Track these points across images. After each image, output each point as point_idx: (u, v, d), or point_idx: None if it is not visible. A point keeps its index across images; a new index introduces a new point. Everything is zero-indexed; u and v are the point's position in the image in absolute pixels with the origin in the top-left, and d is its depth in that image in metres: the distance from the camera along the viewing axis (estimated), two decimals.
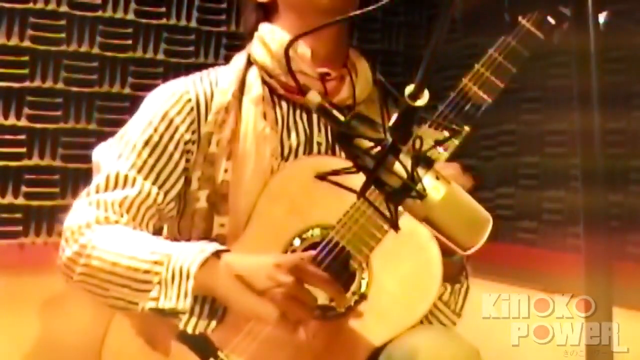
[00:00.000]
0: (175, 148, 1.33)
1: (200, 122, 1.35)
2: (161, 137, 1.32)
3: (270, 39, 1.38)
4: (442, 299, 1.36)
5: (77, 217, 1.28)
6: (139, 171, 1.31)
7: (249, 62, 1.41)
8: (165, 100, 1.35)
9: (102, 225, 1.26)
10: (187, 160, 1.34)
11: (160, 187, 1.31)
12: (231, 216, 1.32)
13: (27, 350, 1.91)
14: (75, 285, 1.27)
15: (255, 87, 1.37)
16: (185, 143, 1.33)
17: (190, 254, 1.19)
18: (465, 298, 1.39)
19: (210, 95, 1.36)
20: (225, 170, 1.32)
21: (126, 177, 1.30)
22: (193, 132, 1.34)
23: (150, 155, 1.32)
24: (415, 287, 1.29)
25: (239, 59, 1.43)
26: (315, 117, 1.39)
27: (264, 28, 1.41)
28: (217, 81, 1.39)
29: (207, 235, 1.32)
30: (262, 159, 1.33)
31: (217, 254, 1.20)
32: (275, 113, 1.38)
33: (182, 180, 1.34)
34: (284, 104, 1.39)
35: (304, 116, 1.39)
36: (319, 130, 1.39)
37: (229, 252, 1.21)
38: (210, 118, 1.34)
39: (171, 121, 1.33)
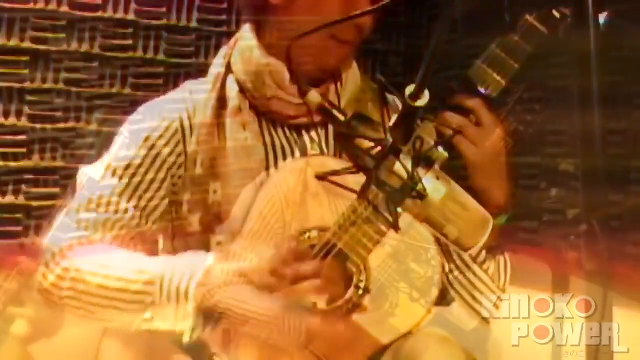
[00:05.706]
0: (157, 172, 1.30)
1: (186, 142, 1.31)
2: (143, 160, 1.30)
3: (248, 57, 1.32)
4: (488, 272, 1.32)
5: (59, 238, 1.26)
6: (121, 194, 1.29)
7: (228, 68, 1.35)
8: (148, 123, 1.32)
9: (84, 246, 1.24)
10: (174, 184, 1.31)
11: (142, 210, 1.29)
12: (227, 233, 1.29)
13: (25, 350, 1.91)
14: (59, 309, 1.24)
15: (231, 98, 1.33)
16: (169, 167, 1.30)
17: (183, 271, 1.16)
18: (507, 273, 1.34)
19: (193, 113, 1.32)
20: (214, 191, 1.30)
21: (109, 200, 1.28)
22: (179, 155, 1.31)
23: (131, 178, 1.29)
24: (414, 289, 1.28)
25: (216, 64, 1.37)
26: (304, 133, 1.35)
27: (245, 40, 1.34)
28: (198, 96, 1.34)
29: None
30: (249, 172, 1.30)
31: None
32: (261, 125, 1.33)
33: (164, 203, 1.31)
34: (270, 124, 1.34)
35: (294, 133, 1.35)
36: (311, 142, 1.35)
37: (219, 262, 1.18)
38: (194, 137, 1.31)
39: (153, 145, 1.30)
